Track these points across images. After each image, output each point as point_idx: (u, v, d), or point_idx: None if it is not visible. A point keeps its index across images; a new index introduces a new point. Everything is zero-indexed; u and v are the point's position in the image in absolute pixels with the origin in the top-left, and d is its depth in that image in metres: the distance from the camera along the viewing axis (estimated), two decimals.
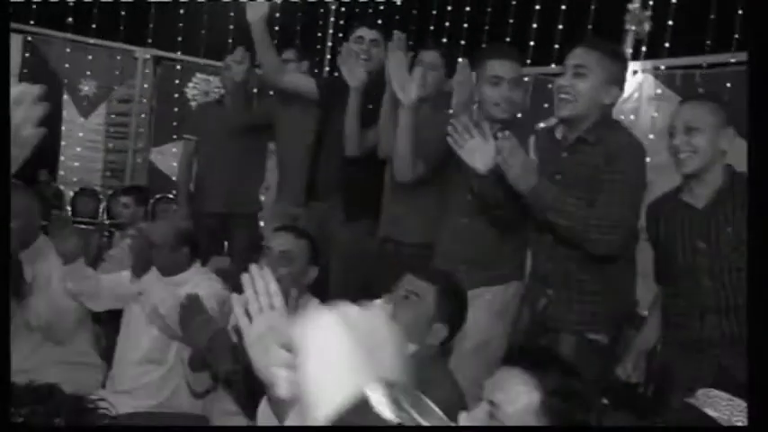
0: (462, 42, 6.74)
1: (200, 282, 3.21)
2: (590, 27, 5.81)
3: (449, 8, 7.03)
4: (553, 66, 6.11)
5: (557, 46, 6.07)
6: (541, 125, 3.19)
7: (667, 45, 5.49)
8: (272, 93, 4.62)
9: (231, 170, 4.62)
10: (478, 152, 2.76)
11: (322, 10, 8.58)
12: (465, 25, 6.78)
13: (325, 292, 3.95)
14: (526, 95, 3.36)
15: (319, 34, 8.61)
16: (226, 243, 5.03)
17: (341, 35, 8.19)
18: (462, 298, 2.41)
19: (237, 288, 1.67)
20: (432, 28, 7.15)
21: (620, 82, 2.85)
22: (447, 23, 6.98)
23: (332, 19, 8.62)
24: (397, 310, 2.26)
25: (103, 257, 5.19)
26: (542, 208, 2.66)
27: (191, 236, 3.38)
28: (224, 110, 4.66)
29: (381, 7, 7.70)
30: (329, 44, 8.53)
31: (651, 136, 5.54)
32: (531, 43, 6.21)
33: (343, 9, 8.42)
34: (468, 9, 6.81)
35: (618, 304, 2.85)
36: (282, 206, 4.37)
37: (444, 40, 6.86)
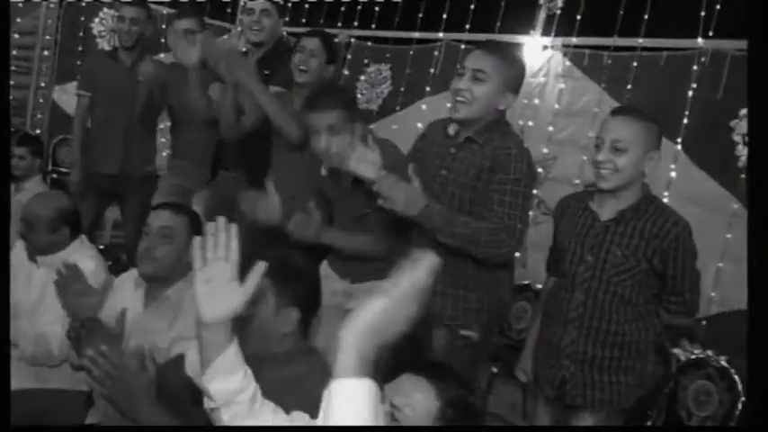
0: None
1: (80, 258, 3.04)
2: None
3: None
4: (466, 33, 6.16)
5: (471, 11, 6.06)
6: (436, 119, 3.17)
7: (578, 22, 5.52)
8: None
9: (125, 129, 4.50)
10: (365, 161, 2.75)
11: None
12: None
13: None
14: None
15: None
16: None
17: None
18: (305, 277, 2.35)
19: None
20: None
21: (517, 88, 2.87)
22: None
23: None
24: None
25: None
26: (432, 229, 2.68)
27: (70, 214, 3.25)
28: (119, 66, 4.50)
29: None
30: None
31: (556, 106, 5.65)
32: (444, 16, 6.18)
33: None
34: None
35: (492, 302, 2.92)
36: (178, 179, 4.31)
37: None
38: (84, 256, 3.16)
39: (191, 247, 2.71)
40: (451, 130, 2.91)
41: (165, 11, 8.07)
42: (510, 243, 2.66)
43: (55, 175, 7.51)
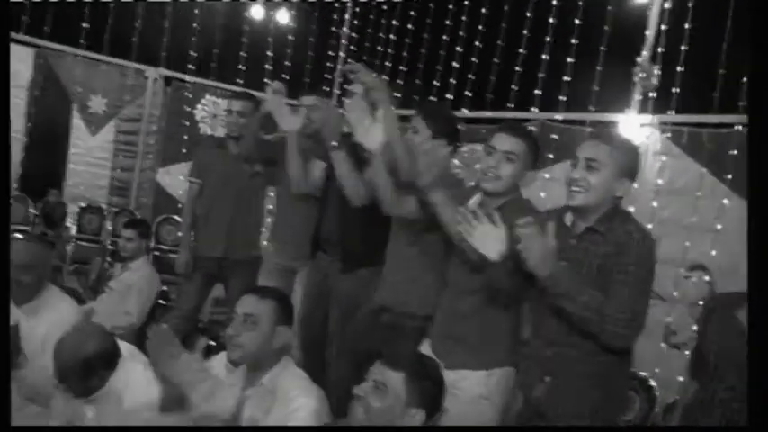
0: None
1: (130, 383, 2.87)
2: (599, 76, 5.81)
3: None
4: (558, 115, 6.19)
5: (563, 98, 6.10)
6: (549, 208, 3.15)
7: (675, 100, 5.48)
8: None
9: (231, 215, 4.65)
10: (489, 239, 2.77)
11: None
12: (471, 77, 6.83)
13: (323, 343, 4.00)
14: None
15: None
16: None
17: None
18: (435, 380, 2.39)
19: None
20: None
21: (633, 174, 2.85)
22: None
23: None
24: (368, 400, 2.27)
25: (104, 288, 5.21)
26: (558, 294, 2.65)
27: (104, 354, 2.87)
28: (227, 154, 4.68)
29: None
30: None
31: (659, 181, 5.57)
32: (539, 92, 6.23)
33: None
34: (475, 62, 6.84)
35: (613, 398, 2.85)
36: (279, 258, 4.40)
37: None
38: (132, 375, 2.91)
39: (278, 332, 2.79)
40: (568, 219, 2.89)
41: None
42: (632, 326, 2.62)
43: (157, 253, 7.78)
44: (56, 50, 8.23)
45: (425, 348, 3.18)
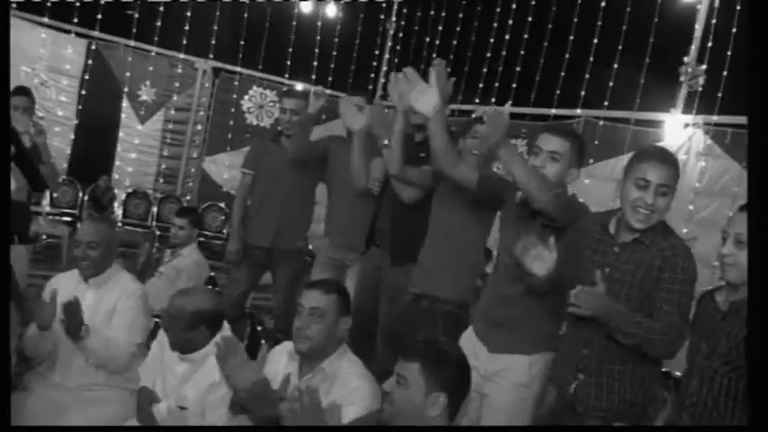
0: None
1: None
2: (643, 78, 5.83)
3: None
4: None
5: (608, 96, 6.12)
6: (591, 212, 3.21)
7: (719, 102, 5.49)
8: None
9: (280, 207, 4.77)
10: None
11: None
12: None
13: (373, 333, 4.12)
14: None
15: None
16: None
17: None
18: (453, 362, 2.43)
19: None
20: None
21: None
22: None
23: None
24: (393, 395, 2.37)
25: (155, 273, 5.36)
26: (611, 329, 2.74)
27: (210, 314, 3.14)
28: (280, 148, 4.80)
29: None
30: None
31: (697, 185, 5.58)
32: (583, 93, 6.27)
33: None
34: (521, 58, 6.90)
35: (645, 394, 2.91)
36: (333, 253, 4.52)
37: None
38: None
39: (341, 323, 2.92)
40: (612, 227, 2.95)
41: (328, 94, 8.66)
42: (678, 341, 2.70)
43: (202, 239, 7.96)
44: (108, 41, 8.45)
45: (468, 334, 3.28)
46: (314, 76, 8.70)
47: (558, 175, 3.07)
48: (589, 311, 2.70)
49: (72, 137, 8.42)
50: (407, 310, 3.67)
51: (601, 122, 6.12)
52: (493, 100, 7.02)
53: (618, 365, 2.83)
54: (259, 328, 4.68)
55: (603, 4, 6.13)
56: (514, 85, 6.76)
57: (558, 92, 6.44)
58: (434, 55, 7.98)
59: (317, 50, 8.86)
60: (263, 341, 4.56)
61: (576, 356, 2.91)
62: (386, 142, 3.70)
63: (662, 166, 2.75)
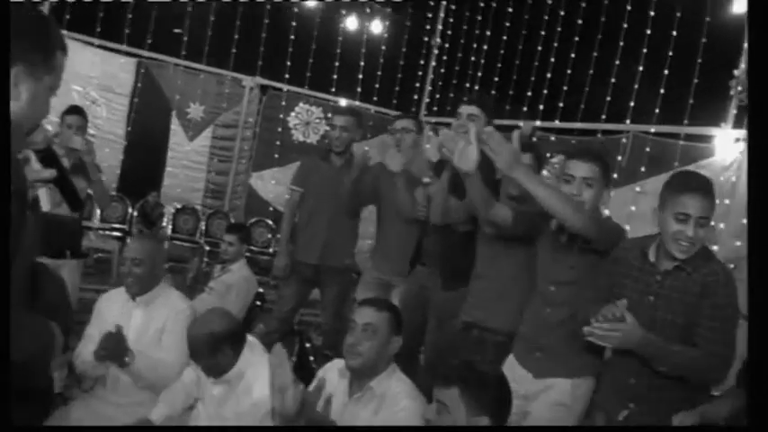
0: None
1: (254, 374, 3.08)
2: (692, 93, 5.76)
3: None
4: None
5: (657, 110, 6.07)
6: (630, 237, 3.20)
7: None
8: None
9: (328, 224, 4.80)
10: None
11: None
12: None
13: (417, 352, 4.12)
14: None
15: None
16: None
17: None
18: (492, 384, 2.45)
19: None
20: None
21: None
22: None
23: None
24: (435, 422, 2.39)
25: (205, 289, 5.42)
26: (648, 358, 2.73)
27: (230, 334, 3.10)
28: (330, 167, 4.83)
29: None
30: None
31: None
32: (632, 104, 6.22)
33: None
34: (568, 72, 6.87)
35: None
36: (379, 273, 4.53)
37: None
38: (256, 368, 3.09)
39: (392, 341, 2.93)
40: (652, 255, 2.93)
41: (373, 110, 8.86)
42: (723, 369, 2.68)
43: (249, 254, 8.02)
44: (158, 60, 8.61)
45: (510, 359, 3.28)
46: (359, 92, 8.82)
47: (594, 200, 3.10)
48: (616, 344, 2.70)
49: (122, 154, 8.56)
50: (457, 338, 3.68)
51: (650, 137, 6.03)
52: (538, 119, 6.97)
53: (668, 393, 2.81)
54: (307, 345, 4.71)
55: (652, 13, 6.05)
56: (561, 105, 6.68)
57: (606, 106, 6.36)
58: (481, 62, 8.00)
59: (362, 66, 8.93)
60: (311, 358, 4.59)
61: (623, 385, 2.89)
62: (427, 180, 3.75)
63: (701, 198, 2.72)
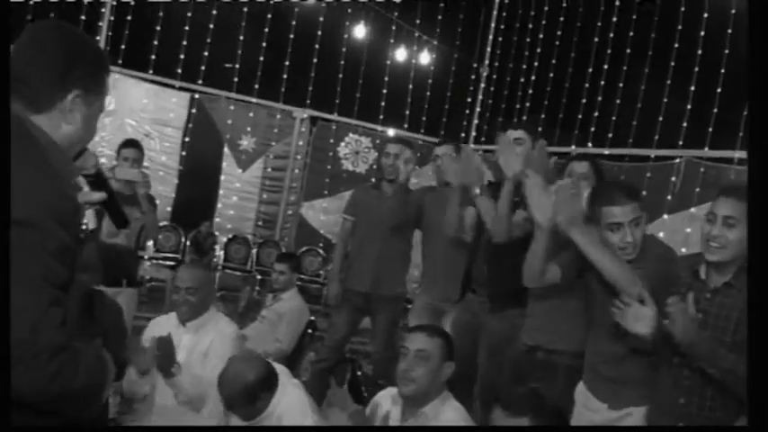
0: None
1: (290, 413, 3.05)
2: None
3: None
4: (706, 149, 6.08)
5: (710, 129, 6.01)
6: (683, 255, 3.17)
7: None
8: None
9: (379, 253, 4.83)
10: (641, 320, 2.80)
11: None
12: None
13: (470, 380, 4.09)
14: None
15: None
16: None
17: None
18: (558, 412, 2.48)
19: None
20: None
21: None
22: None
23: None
24: None
25: (257, 317, 5.49)
26: (698, 358, 2.70)
27: (265, 379, 3.04)
28: (381, 195, 4.88)
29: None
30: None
31: None
32: (685, 124, 6.17)
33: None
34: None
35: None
36: (429, 298, 4.54)
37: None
38: (289, 399, 3.10)
39: (444, 367, 2.92)
40: (703, 273, 2.91)
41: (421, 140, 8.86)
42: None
43: (299, 283, 8.09)
44: (210, 94, 8.80)
45: (582, 390, 3.25)
46: (407, 122, 8.92)
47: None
48: (681, 330, 2.64)
49: (176, 184, 8.74)
50: (521, 363, 3.61)
51: (703, 162, 5.97)
52: (589, 144, 6.94)
53: (718, 413, 2.77)
54: (359, 373, 4.73)
55: (702, 33, 6.01)
56: (611, 135, 6.66)
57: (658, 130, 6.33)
58: (529, 93, 8.00)
59: (409, 97, 9.04)
60: (362, 387, 4.61)
61: (673, 406, 2.85)
62: (477, 192, 3.74)
63: (727, 198, 2.72)
